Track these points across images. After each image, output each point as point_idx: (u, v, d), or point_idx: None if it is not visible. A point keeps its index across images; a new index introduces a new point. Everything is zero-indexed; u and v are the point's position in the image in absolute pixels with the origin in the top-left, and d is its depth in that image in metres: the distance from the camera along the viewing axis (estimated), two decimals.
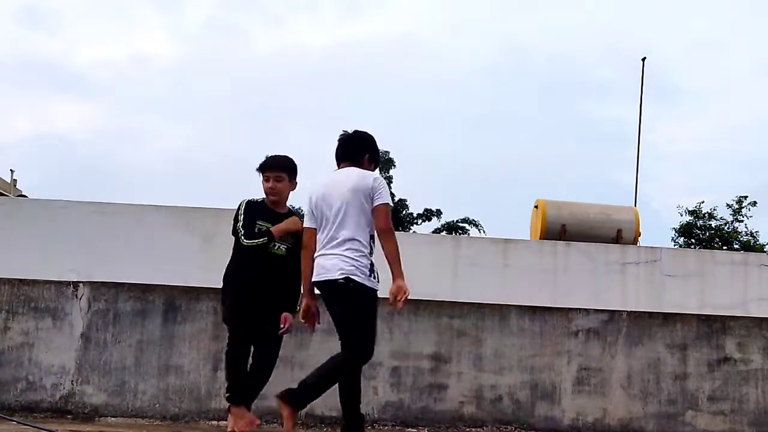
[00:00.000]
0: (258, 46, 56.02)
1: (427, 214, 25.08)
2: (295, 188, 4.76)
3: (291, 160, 4.73)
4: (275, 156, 4.74)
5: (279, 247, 4.60)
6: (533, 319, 5.41)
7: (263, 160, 4.71)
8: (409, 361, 5.27)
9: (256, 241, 4.49)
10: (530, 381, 5.32)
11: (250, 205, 4.67)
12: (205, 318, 5.22)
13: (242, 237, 4.52)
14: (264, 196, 4.68)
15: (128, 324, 5.18)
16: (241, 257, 4.59)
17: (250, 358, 4.55)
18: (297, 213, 4.83)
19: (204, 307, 5.23)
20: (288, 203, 4.79)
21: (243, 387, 4.51)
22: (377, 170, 4.55)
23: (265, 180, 4.66)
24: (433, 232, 23.31)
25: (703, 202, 26.04)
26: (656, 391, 5.40)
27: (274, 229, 4.51)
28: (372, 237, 4.16)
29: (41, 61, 55.03)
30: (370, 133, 4.39)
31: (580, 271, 10.14)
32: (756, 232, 25.11)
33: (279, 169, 4.65)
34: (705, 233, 25.22)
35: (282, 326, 4.56)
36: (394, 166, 24.77)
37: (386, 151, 24.72)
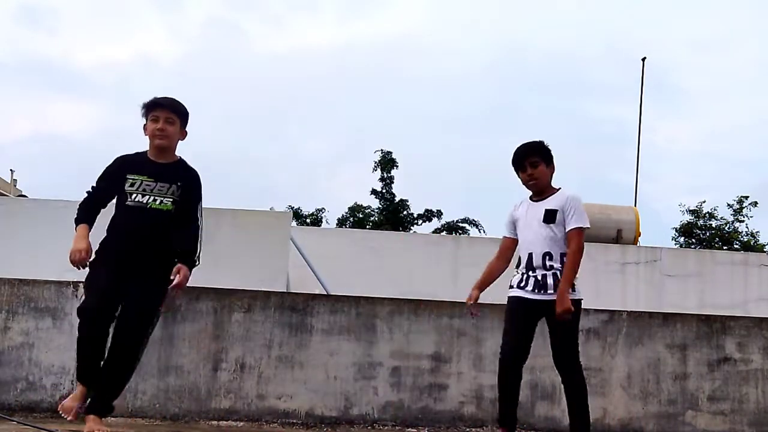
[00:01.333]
0: (258, 45, 56.04)
1: (428, 215, 25.05)
2: (184, 138, 4.14)
3: (184, 105, 4.13)
4: (168, 96, 4.10)
5: (161, 201, 3.97)
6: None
7: (150, 99, 4.07)
8: (409, 361, 5.28)
9: (77, 213, 3.95)
10: (530, 381, 5.31)
11: (121, 159, 4.03)
12: (205, 318, 5.23)
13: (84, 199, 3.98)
14: (146, 147, 4.08)
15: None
16: (111, 224, 4.00)
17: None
18: (188, 169, 4.13)
19: (204, 307, 5.23)
20: (178, 155, 4.15)
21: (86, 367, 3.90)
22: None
23: (153, 120, 4.01)
24: (433, 232, 23.30)
25: (704, 202, 26.06)
26: (656, 391, 5.40)
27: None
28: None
29: (41, 60, 55.04)
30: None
31: (580, 271, 10.14)
32: (756, 232, 25.12)
33: (172, 110, 4.04)
34: (705, 233, 25.23)
35: (172, 278, 3.84)
36: (396, 166, 24.75)
37: (389, 152, 24.71)
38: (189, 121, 4.14)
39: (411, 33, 54.64)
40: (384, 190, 24.79)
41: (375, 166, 24.67)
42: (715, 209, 25.53)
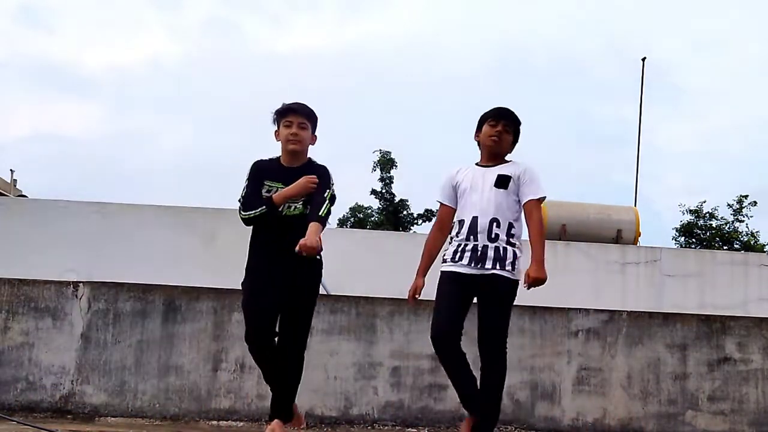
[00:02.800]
0: (258, 46, 56.07)
1: (428, 215, 25.06)
2: (314, 143, 4.20)
3: (315, 110, 4.20)
4: (300, 102, 4.16)
5: (293, 207, 4.03)
6: (533, 319, 5.41)
7: (283, 104, 4.14)
8: (409, 361, 5.28)
9: (254, 212, 3.98)
10: (530, 381, 5.32)
11: (257, 166, 4.12)
12: (205, 318, 5.23)
13: (239, 210, 4.03)
14: (279, 152, 4.15)
15: (128, 324, 5.18)
16: (253, 241, 4.09)
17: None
18: (318, 166, 4.16)
19: (204, 307, 5.23)
20: (308, 156, 4.19)
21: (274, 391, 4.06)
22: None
23: (286, 125, 4.08)
24: None
25: (704, 202, 26.07)
26: (656, 391, 5.40)
27: (275, 196, 3.97)
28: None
29: (40, 60, 55.02)
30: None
31: (580, 271, 10.16)
32: (756, 232, 25.13)
33: (305, 115, 4.11)
34: (706, 233, 25.24)
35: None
36: (396, 166, 24.74)
37: (387, 151, 24.70)
38: (317, 126, 4.20)
39: (411, 33, 54.66)
40: (384, 190, 24.80)
41: (374, 166, 24.68)
42: (715, 209, 25.55)
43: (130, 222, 8.96)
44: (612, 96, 52.04)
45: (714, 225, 25.35)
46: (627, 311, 5.65)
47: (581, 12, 55.22)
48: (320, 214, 3.98)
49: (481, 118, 4.09)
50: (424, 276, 4.07)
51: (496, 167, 3.99)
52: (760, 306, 10.03)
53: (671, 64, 46.55)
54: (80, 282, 5.29)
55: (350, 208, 26.24)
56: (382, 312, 5.32)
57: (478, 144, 4.11)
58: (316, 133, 4.19)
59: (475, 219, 3.87)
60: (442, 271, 3.98)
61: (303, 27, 54.02)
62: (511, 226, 3.88)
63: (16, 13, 59.50)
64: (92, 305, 5.19)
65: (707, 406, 5.41)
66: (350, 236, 11.74)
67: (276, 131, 4.17)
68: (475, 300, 3.94)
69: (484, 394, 3.83)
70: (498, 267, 3.83)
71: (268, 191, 4.04)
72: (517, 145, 4.10)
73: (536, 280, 3.79)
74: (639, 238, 11.79)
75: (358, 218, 25.77)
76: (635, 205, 17.24)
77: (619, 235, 11.49)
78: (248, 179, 4.10)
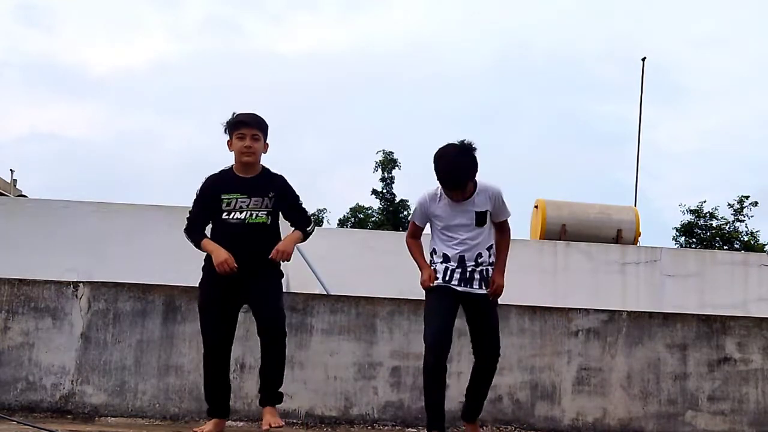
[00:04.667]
0: (259, 46, 56.05)
1: None
2: (266, 151, 4.35)
3: (265, 119, 4.34)
4: (249, 112, 4.28)
5: (256, 215, 4.21)
6: (533, 319, 5.41)
7: (233, 116, 4.25)
8: (409, 361, 5.27)
9: (190, 241, 4.23)
10: (530, 381, 5.32)
11: (209, 183, 4.25)
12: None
13: (185, 228, 4.25)
14: (229, 164, 4.30)
15: (128, 324, 5.18)
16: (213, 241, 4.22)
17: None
18: (275, 176, 4.36)
19: None
20: (261, 164, 4.36)
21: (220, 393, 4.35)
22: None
23: (239, 138, 4.19)
24: None
25: (704, 202, 26.10)
26: (656, 391, 5.40)
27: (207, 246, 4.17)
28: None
29: (40, 60, 55.00)
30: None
31: (580, 271, 10.16)
32: (757, 231, 25.15)
33: (256, 127, 4.24)
34: (706, 233, 25.25)
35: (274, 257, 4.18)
36: (398, 166, 24.74)
37: (390, 152, 24.70)
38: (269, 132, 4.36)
39: (412, 32, 54.65)
40: (385, 191, 24.81)
41: (376, 166, 24.68)
42: (715, 209, 25.57)
43: (130, 222, 8.95)
44: (612, 96, 52.09)
45: (714, 225, 25.37)
46: (627, 311, 5.64)
47: (581, 11, 55.21)
48: (308, 229, 4.38)
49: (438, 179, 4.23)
50: (428, 264, 4.36)
51: (468, 201, 4.23)
52: (760, 306, 10.02)
53: (672, 64, 46.59)
54: (80, 282, 5.29)
55: (350, 209, 26.27)
56: (382, 312, 5.31)
57: None
58: (267, 141, 4.35)
59: (461, 257, 4.24)
60: (431, 286, 4.29)
61: (304, 27, 54.02)
62: (490, 248, 4.31)
63: (15, 12, 59.49)
64: (92, 305, 5.19)
65: (707, 406, 5.41)
66: (350, 236, 11.74)
67: (228, 141, 4.29)
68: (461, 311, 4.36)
69: (484, 387, 4.40)
70: (484, 287, 4.28)
71: (228, 204, 4.19)
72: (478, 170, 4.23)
73: (500, 287, 4.28)
74: (639, 238, 11.79)
75: (358, 218, 25.78)
76: (635, 205, 17.25)
77: (619, 235, 11.49)
78: (198, 198, 4.27)
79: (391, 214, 24.69)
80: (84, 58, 59.15)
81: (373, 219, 25.37)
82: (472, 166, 4.14)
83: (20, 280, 5.24)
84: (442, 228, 4.28)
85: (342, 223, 25.89)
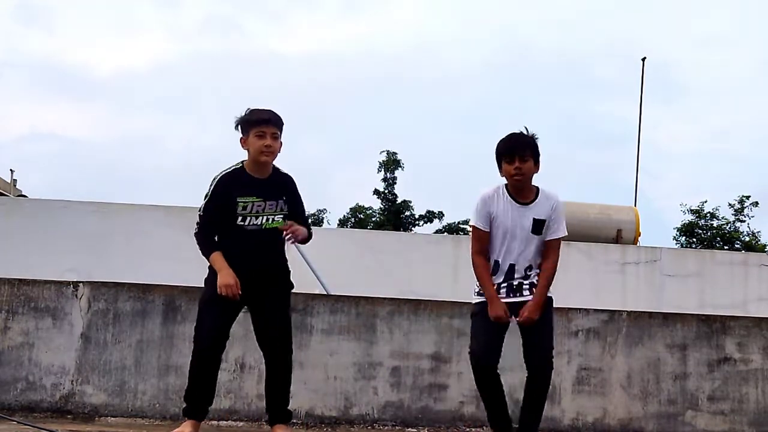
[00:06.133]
0: (259, 45, 56.03)
1: (429, 216, 25.06)
2: (281, 150, 4.17)
3: (282, 117, 4.18)
4: (269, 109, 4.10)
5: (272, 219, 4.08)
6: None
7: (253, 112, 4.07)
8: (409, 361, 5.27)
9: (201, 248, 4.05)
10: None
11: (224, 182, 4.05)
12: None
13: (197, 226, 4.06)
14: (239, 161, 4.14)
15: (128, 324, 5.18)
16: (223, 245, 4.06)
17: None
18: (285, 175, 4.22)
19: None
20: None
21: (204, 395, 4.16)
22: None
23: (259, 136, 4.01)
24: (434, 233, 23.28)
25: (705, 202, 26.09)
26: (656, 391, 5.40)
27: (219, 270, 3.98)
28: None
29: (40, 59, 55.00)
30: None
31: (580, 271, 10.15)
32: (758, 232, 25.14)
33: (276, 125, 4.06)
34: (707, 233, 25.24)
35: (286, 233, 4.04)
36: (401, 167, 24.72)
37: (394, 152, 24.69)
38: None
39: (414, 32, 54.65)
40: (386, 191, 24.79)
41: (380, 167, 24.66)
42: (716, 209, 25.56)
43: (130, 222, 8.95)
44: (612, 96, 52.05)
45: (715, 225, 25.36)
46: (627, 311, 5.65)
47: (582, 11, 55.21)
48: (310, 231, 4.28)
49: (496, 154, 4.08)
50: (498, 297, 4.07)
51: (529, 206, 4.04)
52: (760, 306, 10.02)
53: (672, 64, 46.56)
54: (80, 282, 5.29)
55: (351, 209, 26.25)
56: (382, 312, 5.31)
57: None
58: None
59: (512, 266, 4.04)
60: (477, 302, 4.12)
61: (305, 26, 54.02)
62: (540, 262, 4.11)
63: (14, 11, 59.49)
64: (92, 305, 5.19)
65: (707, 406, 5.41)
66: (350, 236, 11.74)
67: (242, 138, 4.10)
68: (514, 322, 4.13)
69: (540, 401, 4.15)
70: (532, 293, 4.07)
71: (244, 208, 4.03)
72: (540, 167, 4.08)
73: (530, 321, 4.02)
74: (639, 238, 11.79)
75: (358, 218, 25.78)
76: (635, 205, 17.24)
77: (619, 235, 11.49)
78: (210, 200, 4.05)
79: (392, 215, 24.68)
80: (84, 58, 59.16)
81: (374, 219, 25.36)
82: (534, 141, 4.02)
83: (20, 280, 5.24)
84: (496, 229, 4.02)
85: (342, 223, 25.88)
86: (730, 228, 25.10)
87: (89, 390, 5.09)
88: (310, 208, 26.25)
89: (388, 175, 24.69)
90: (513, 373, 5.31)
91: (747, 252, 19.95)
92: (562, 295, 9.95)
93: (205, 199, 4.07)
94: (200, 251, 4.10)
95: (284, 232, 4.06)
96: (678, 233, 25.75)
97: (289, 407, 4.25)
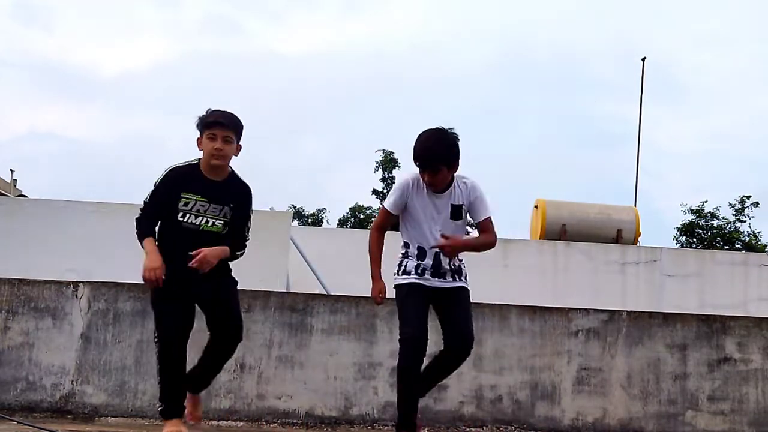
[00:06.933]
0: (259, 45, 56.06)
1: None
2: (238, 153, 4.07)
3: (240, 119, 4.06)
4: (225, 111, 4.01)
5: (212, 222, 3.99)
6: (533, 319, 5.40)
7: (207, 113, 3.98)
8: None
9: (138, 234, 4.01)
10: (530, 381, 5.32)
11: (174, 176, 3.98)
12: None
13: (139, 215, 4.03)
14: (198, 157, 4.03)
15: (128, 324, 5.18)
16: (161, 245, 3.99)
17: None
18: (241, 184, 4.11)
19: None
20: (230, 167, 4.09)
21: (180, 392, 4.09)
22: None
23: (210, 138, 3.93)
24: None
25: (705, 202, 26.11)
26: (656, 391, 5.40)
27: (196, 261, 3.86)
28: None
29: (40, 59, 55.02)
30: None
31: (580, 271, 10.15)
32: (758, 232, 25.13)
33: (230, 128, 3.96)
34: (707, 233, 25.24)
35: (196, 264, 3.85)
36: (399, 166, 24.72)
37: (390, 151, 24.68)
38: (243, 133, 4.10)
39: (412, 32, 54.65)
40: (385, 191, 24.79)
41: (377, 166, 24.66)
42: (717, 209, 25.57)
43: (130, 222, 8.93)
44: (612, 96, 52.10)
45: (715, 225, 25.36)
46: (627, 311, 5.64)
47: (582, 11, 55.20)
48: (237, 252, 4.08)
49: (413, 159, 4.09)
50: (381, 278, 4.21)
51: (446, 194, 4.08)
52: (760, 306, 10.02)
53: (672, 63, 46.57)
54: (80, 282, 5.29)
55: (350, 208, 26.24)
56: (382, 312, 5.31)
57: None
58: (240, 143, 4.08)
59: (436, 254, 4.07)
60: (403, 283, 4.13)
61: (304, 26, 54.01)
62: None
63: (13, 11, 59.45)
64: (92, 305, 5.19)
65: (707, 406, 5.41)
66: (350, 236, 11.73)
67: (198, 139, 4.03)
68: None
69: (436, 380, 4.28)
70: (458, 279, 4.16)
71: (186, 204, 3.96)
72: (457, 168, 4.08)
73: (447, 246, 3.97)
74: (639, 238, 11.80)
75: (358, 218, 25.77)
76: (635, 205, 17.26)
77: (619, 235, 11.50)
78: (157, 188, 4.00)
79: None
80: (84, 57, 59.16)
81: (373, 219, 25.37)
82: (450, 150, 3.98)
83: (20, 280, 5.24)
84: (413, 217, 4.09)
85: (342, 223, 25.89)
86: (730, 228, 25.10)
87: (89, 390, 5.09)
88: (310, 208, 26.29)
89: (386, 174, 24.69)
90: (512, 373, 5.33)
91: (747, 252, 19.96)
92: (562, 295, 10.02)
93: (153, 186, 4.04)
94: (137, 236, 4.08)
95: (192, 260, 3.88)
96: (678, 233, 25.76)
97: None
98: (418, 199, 4.08)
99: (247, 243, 4.16)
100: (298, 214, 25.74)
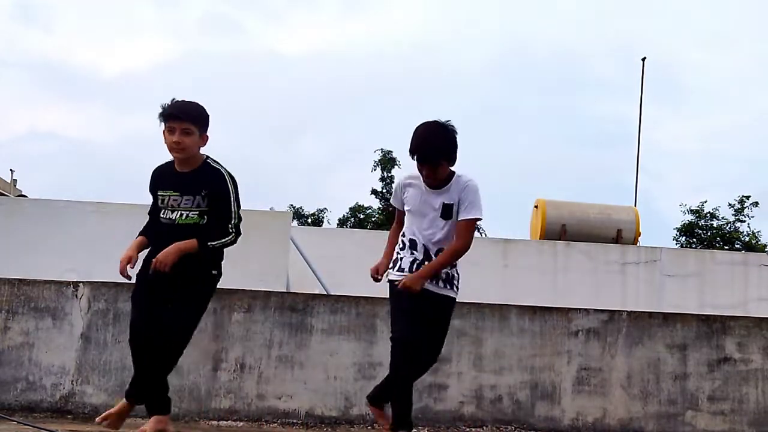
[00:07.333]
0: (259, 45, 56.05)
1: None
2: (205, 144, 3.96)
3: (203, 109, 3.94)
4: (183, 102, 3.90)
5: (185, 215, 3.90)
6: (533, 319, 5.40)
7: (167, 105, 3.88)
8: None
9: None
10: (530, 381, 5.32)
11: (154, 175, 4.03)
12: (204, 318, 5.18)
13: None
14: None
15: (128, 324, 5.16)
16: (151, 241, 4.02)
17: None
18: (212, 170, 3.96)
19: None
20: (203, 156, 3.98)
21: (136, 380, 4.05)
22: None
23: (168, 131, 3.84)
24: None
25: (705, 202, 26.11)
26: (656, 391, 5.40)
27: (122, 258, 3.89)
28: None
29: (40, 59, 55.00)
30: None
31: (580, 271, 10.16)
32: (758, 232, 25.13)
33: (188, 120, 3.83)
34: (707, 233, 25.24)
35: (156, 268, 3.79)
36: (398, 165, 24.68)
37: (389, 151, 24.66)
38: (209, 124, 3.98)
39: (412, 32, 54.65)
40: (384, 190, 24.78)
41: (374, 166, 24.64)
42: (716, 209, 25.57)
43: (130, 222, 8.93)
44: (612, 96, 52.08)
45: (715, 225, 25.36)
46: (627, 311, 5.65)
47: (582, 11, 55.20)
48: (211, 243, 3.88)
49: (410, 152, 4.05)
50: (387, 257, 4.18)
51: (441, 191, 4.01)
52: (760, 306, 10.03)
53: (672, 63, 46.55)
54: (80, 282, 5.29)
55: (350, 208, 26.25)
56: (382, 312, 5.31)
57: None
58: (207, 133, 3.97)
59: (426, 249, 4.01)
60: (396, 280, 4.04)
61: (303, 26, 54.01)
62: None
63: (13, 10, 59.44)
64: (92, 305, 5.19)
65: (707, 406, 5.41)
66: (350, 236, 11.74)
67: (163, 132, 3.94)
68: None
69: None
70: (448, 287, 4.08)
71: (162, 201, 3.94)
72: (456, 161, 4.04)
73: (408, 288, 3.89)
74: (639, 238, 11.80)
75: (358, 218, 25.77)
76: (635, 205, 17.27)
77: (619, 235, 11.51)
78: (149, 187, 4.05)
79: (391, 214, 24.66)
80: (84, 57, 59.14)
81: (373, 219, 25.36)
82: (447, 144, 3.94)
83: (20, 280, 5.24)
84: (410, 211, 4.07)
85: (342, 223, 25.89)
86: (730, 228, 25.10)
87: (89, 390, 5.09)
88: (311, 207, 26.28)
89: (385, 174, 24.66)
90: (512, 373, 5.33)
91: (747, 252, 19.96)
92: (562, 295, 10.02)
93: None
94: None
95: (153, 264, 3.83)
96: (678, 233, 25.76)
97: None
98: (413, 196, 4.07)
99: (232, 230, 3.93)
100: (298, 214, 25.73)
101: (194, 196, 3.89)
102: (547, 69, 49.97)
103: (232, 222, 3.93)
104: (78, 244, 8.39)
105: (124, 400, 4.15)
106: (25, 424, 4.38)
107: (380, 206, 25.17)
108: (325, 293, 7.96)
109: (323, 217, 26.30)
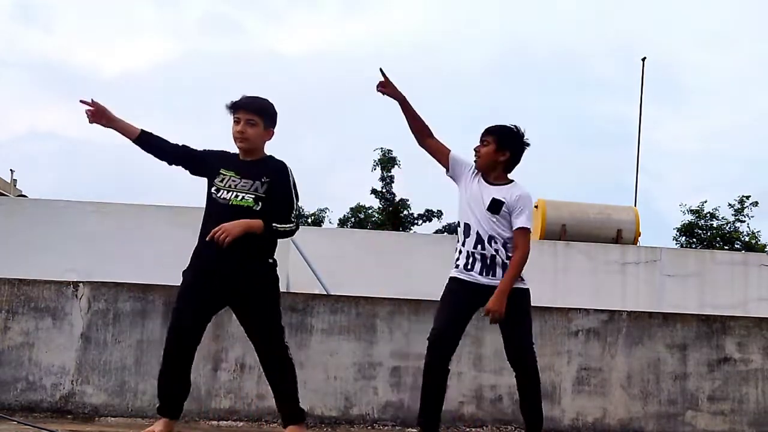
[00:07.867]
0: (258, 44, 56.05)
1: (428, 215, 24.99)
2: (270, 138, 4.08)
3: (270, 104, 4.07)
4: (252, 96, 4.07)
5: (242, 196, 3.94)
6: (533, 318, 5.39)
7: (234, 99, 4.05)
8: (409, 361, 5.27)
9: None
10: None
11: (221, 154, 4.11)
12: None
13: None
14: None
15: (128, 324, 5.18)
16: (202, 228, 3.97)
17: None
18: (276, 162, 4.07)
19: None
20: (266, 151, 4.11)
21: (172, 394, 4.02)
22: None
23: (235, 122, 4.00)
24: (434, 233, 23.23)
25: (705, 202, 26.10)
26: (656, 391, 5.40)
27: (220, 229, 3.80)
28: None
29: (40, 59, 54.98)
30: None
31: (580, 271, 10.17)
32: (758, 232, 25.11)
33: (254, 112, 3.98)
34: (707, 233, 25.23)
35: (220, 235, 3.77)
36: (398, 165, 24.61)
37: (389, 150, 24.59)
38: (276, 120, 4.08)
39: (413, 32, 54.64)
40: (384, 190, 24.73)
41: (374, 165, 24.56)
42: (716, 209, 25.55)
43: (130, 222, 8.95)
44: (612, 95, 52.08)
45: (715, 225, 25.34)
46: (627, 311, 5.65)
47: (582, 11, 55.19)
48: (277, 226, 3.92)
49: None
50: (403, 98, 4.22)
51: (493, 186, 4.13)
52: (760, 306, 10.04)
53: (672, 63, 46.55)
54: (80, 282, 5.28)
55: (350, 208, 26.21)
56: (382, 312, 5.31)
57: None
58: (273, 129, 4.07)
59: (478, 234, 4.08)
60: (451, 277, 4.15)
61: (303, 25, 54.00)
62: (506, 242, 4.09)
63: (13, 10, 59.42)
64: (92, 305, 5.19)
65: (707, 406, 5.41)
66: (350, 236, 11.75)
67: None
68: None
69: (534, 402, 4.14)
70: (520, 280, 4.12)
71: (222, 179, 3.99)
72: (517, 164, 4.18)
73: (494, 314, 3.96)
74: (639, 238, 11.81)
75: (358, 218, 25.76)
76: (635, 205, 17.27)
77: (619, 235, 11.51)
78: (209, 150, 4.12)
79: (391, 214, 24.64)
80: (84, 57, 59.14)
81: (373, 219, 25.34)
82: (504, 129, 4.13)
83: (20, 280, 5.23)
84: (463, 190, 4.17)
85: (342, 223, 25.86)
86: (730, 228, 25.08)
87: (89, 390, 5.09)
88: (311, 207, 26.25)
89: (385, 173, 24.60)
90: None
91: (747, 252, 19.96)
92: (562, 295, 10.01)
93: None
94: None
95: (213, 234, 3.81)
96: (678, 233, 25.74)
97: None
98: (470, 181, 4.17)
99: (294, 219, 4.02)
100: (298, 214, 25.72)
101: (254, 181, 3.95)
102: (547, 69, 49.99)
103: (294, 212, 4.03)
104: (78, 244, 8.41)
105: (163, 420, 4.05)
106: (25, 424, 4.38)
107: (380, 206, 25.13)
108: (325, 293, 7.95)
109: (324, 217, 26.28)
